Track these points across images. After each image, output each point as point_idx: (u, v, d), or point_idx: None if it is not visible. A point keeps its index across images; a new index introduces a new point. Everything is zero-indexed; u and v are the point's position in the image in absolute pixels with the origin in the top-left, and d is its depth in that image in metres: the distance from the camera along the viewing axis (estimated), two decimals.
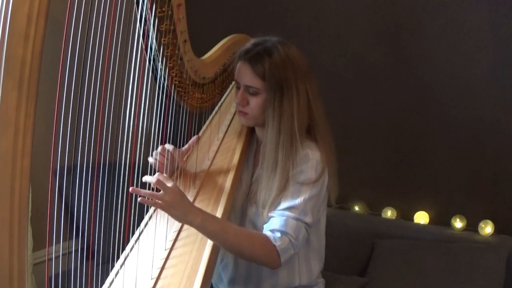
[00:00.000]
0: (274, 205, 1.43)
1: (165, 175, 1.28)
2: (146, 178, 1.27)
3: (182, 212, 1.26)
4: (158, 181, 1.23)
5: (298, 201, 1.41)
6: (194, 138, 1.60)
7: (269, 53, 1.47)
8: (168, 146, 1.53)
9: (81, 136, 1.09)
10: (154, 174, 1.43)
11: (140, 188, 1.25)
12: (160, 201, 1.23)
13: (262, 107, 1.49)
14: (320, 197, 1.46)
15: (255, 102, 1.49)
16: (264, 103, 1.48)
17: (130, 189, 1.21)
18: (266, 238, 1.37)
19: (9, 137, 0.70)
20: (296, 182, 1.42)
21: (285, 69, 1.46)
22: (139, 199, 1.22)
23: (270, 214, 1.43)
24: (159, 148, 1.52)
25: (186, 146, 1.61)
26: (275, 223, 1.40)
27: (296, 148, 1.45)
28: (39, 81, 0.72)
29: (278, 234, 1.37)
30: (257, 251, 1.37)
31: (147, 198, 1.23)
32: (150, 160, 1.53)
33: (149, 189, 1.28)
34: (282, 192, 1.43)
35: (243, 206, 1.56)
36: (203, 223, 1.28)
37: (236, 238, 1.34)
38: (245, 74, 1.49)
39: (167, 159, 1.50)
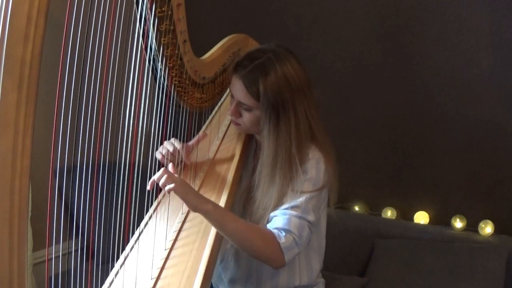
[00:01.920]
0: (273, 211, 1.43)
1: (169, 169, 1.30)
2: (150, 182, 1.29)
3: (196, 198, 1.28)
4: (167, 174, 1.26)
5: (299, 200, 1.40)
6: (201, 134, 1.58)
7: (265, 72, 1.40)
8: (177, 144, 1.52)
9: (81, 136, 1.09)
10: (155, 172, 1.44)
11: (140, 187, 1.27)
12: (175, 186, 1.25)
13: (255, 121, 1.47)
14: (320, 196, 1.46)
15: (247, 117, 1.47)
16: (257, 119, 1.46)
17: (148, 186, 1.27)
18: (271, 233, 1.36)
19: (9, 137, 0.70)
20: (297, 182, 1.42)
21: (281, 91, 1.40)
22: (155, 178, 1.26)
23: (272, 214, 1.42)
24: (168, 144, 1.52)
25: (193, 141, 1.60)
26: (278, 222, 1.39)
27: (296, 170, 1.41)
28: (39, 81, 0.72)
29: (282, 233, 1.37)
30: (262, 245, 1.35)
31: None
32: (158, 155, 1.52)
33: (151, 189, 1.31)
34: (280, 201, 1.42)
35: (244, 205, 1.56)
36: (214, 210, 1.29)
37: (242, 229, 1.34)
38: (238, 91, 1.45)
39: (175, 157, 1.51)
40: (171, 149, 1.53)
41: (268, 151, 1.44)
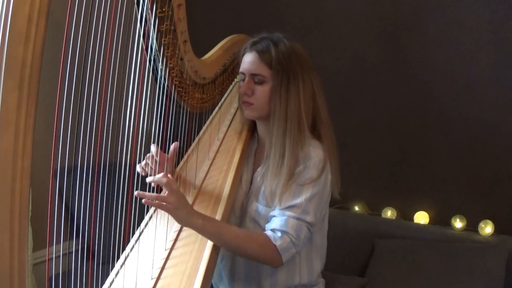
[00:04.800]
0: (281, 194, 1.42)
1: (169, 175, 1.29)
2: (152, 179, 1.28)
3: (185, 214, 1.28)
4: (167, 183, 1.25)
5: (299, 200, 1.41)
6: (174, 144, 1.54)
7: (276, 43, 1.50)
8: (153, 151, 1.48)
9: (81, 137, 1.09)
10: (155, 172, 1.43)
11: (140, 189, 1.26)
12: (165, 203, 1.25)
13: (268, 96, 1.49)
14: (323, 195, 1.47)
15: (261, 91, 1.49)
16: (270, 92, 1.48)
17: (135, 193, 1.23)
18: (266, 238, 1.39)
19: (9, 138, 0.70)
20: (299, 180, 1.42)
21: (291, 59, 1.48)
22: (143, 200, 1.24)
23: (271, 214, 1.44)
24: (147, 157, 1.49)
25: (169, 154, 1.54)
26: (275, 222, 1.41)
27: (304, 135, 1.45)
28: (39, 82, 0.72)
29: (278, 234, 1.39)
30: (257, 251, 1.39)
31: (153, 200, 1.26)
32: (138, 169, 1.49)
33: (150, 190, 1.31)
34: (288, 182, 1.42)
35: (243, 204, 1.57)
36: (204, 226, 1.31)
37: (236, 239, 1.36)
38: (252, 63, 1.50)
39: (151, 167, 1.48)
40: (149, 160, 1.49)
41: (279, 116, 1.46)
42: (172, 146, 1.53)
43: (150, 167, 1.49)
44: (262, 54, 1.49)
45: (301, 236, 1.41)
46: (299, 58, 1.50)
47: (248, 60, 1.52)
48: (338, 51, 2.64)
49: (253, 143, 1.66)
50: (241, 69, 1.55)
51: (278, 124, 1.47)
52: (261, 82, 1.49)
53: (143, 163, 1.50)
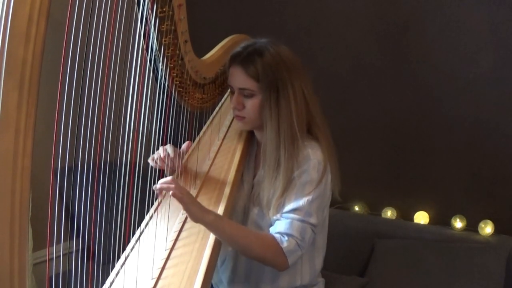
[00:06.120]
0: (279, 205, 1.43)
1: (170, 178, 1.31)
2: (160, 186, 1.28)
3: (198, 209, 1.29)
4: (176, 186, 1.26)
5: (302, 202, 1.41)
6: (187, 143, 1.57)
7: (260, 53, 1.46)
8: (169, 149, 1.51)
9: (81, 137, 1.09)
10: (156, 172, 1.44)
11: (141, 188, 1.27)
12: (182, 195, 1.26)
13: (258, 108, 1.47)
14: (325, 197, 1.47)
15: (251, 105, 1.48)
16: (260, 105, 1.47)
17: (155, 189, 1.28)
18: (273, 239, 1.39)
19: (9, 137, 0.70)
20: (299, 183, 1.42)
21: (278, 67, 1.45)
22: (157, 187, 1.27)
23: (274, 217, 1.44)
24: (160, 149, 1.52)
25: (183, 147, 1.58)
26: (280, 226, 1.41)
27: (298, 146, 1.44)
28: (40, 82, 0.72)
29: (284, 237, 1.39)
30: (265, 252, 1.38)
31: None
32: (151, 162, 1.52)
33: (151, 190, 1.33)
34: (286, 191, 1.42)
35: (245, 207, 1.56)
36: (216, 221, 1.30)
37: (244, 238, 1.37)
38: (238, 77, 1.47)
39: (167, 164, 1.50)
40: (162, 154, 1.51)
41: (271, 130, 1.45)
42: (185, 145, 1.54)
43: (167, 163, 1.49)
44: (248, 68, 1.45)
45: (306, 238, 1.41)
46: (286, 65, 1.46)
47: (234, 74, 1.49)
48: (338, 51, 2.64)
49: (253, 145, 1.65)
50: (228, 82, 1.53)
51: (270, 138, 1.45)
52: (250, 96, 1.47)
53: (155, 156, 1.50)
